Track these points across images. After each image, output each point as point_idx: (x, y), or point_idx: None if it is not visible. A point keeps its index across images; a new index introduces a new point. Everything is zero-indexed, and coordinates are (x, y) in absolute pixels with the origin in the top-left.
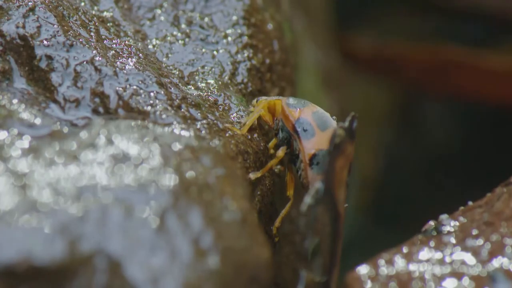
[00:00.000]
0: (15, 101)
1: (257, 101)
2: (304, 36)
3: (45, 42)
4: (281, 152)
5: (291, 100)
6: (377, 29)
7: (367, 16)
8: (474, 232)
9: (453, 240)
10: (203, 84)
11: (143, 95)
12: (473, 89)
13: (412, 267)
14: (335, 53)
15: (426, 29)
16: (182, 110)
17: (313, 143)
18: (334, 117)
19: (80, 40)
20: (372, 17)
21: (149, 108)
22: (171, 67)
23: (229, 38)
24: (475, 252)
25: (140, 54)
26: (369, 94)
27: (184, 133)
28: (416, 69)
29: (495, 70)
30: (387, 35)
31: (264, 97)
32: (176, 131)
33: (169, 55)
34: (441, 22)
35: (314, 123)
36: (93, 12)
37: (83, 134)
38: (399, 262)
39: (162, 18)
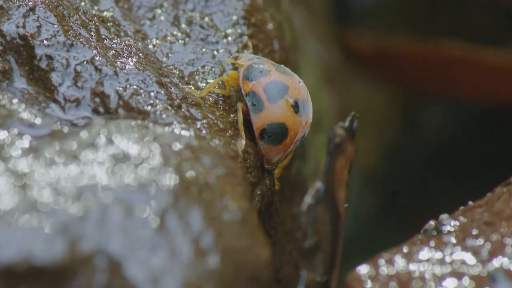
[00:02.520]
0: (15, 100)
1: (235, 58)
2: (305, 33)
3: (45, 42)
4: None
5: (249, 70)
6: (378, 25)
7: (368, 12)
8: (474, 232)
9: (453, 240)
10: (204, 84)
11: (143, 95)
12: (474, 87)
13: (412, 267)
14: (336, 50)
15: (430, 26)
16: (182, 110)
17: (261, 118)
18: (300, 82)
19: (80, 40)
20: (373, 13)
21: (149, 108)
22: (171, 66)
23: (229, 38)
24: (475, 252)
25: (140, 54)
26: (370, 91)
27: (184, 132)
28: (417, 66)
29: (497, 67)
30: (388, 31)
31: (243, 54)
32: (176, 130)
33: (169, 55)
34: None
35: (264, 96)
36: (93, 12)
37: (83, 134)
38: (399, 262)
39: (162, 18)
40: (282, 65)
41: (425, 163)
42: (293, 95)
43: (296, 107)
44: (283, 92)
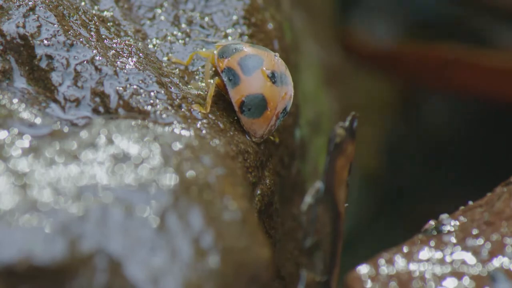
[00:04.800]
0: (15, 100)
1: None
2: (305, 32)
3: (45, 41)
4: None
5: (222, 49)
6: (378, 24)
7: (368, 10)
8: (475, 231)
9: (453, 240)
10: (204, 84)
11: (143, 95)
12: (475, 86)
13: (413, 266)
14: (336, 50)
15: (429, 24)
16: (183, 109)
17: (238, 91)
18: (276, 54)
19: (81, 39)
20: (374, 11)
21: (149, 107)
22: (171, 66)
23: (230, 38)
24: (476, 251)
25: (141, 54)
26: (370, 89)
27: (185, 132)
28: (416, 67)
29: (497, 67)
30: (389, 30)
31: (222, 42)
32: (177, 130)
33: (170, 55)
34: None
35: (239, 69)
36: (94, 12)
37: (84, 134)
38: (400, 262)
39: (162, 17)
40: (259, 45)
41: (426, 163)
42: (269, 67)
43: (273, 77)
44: (258, 64)
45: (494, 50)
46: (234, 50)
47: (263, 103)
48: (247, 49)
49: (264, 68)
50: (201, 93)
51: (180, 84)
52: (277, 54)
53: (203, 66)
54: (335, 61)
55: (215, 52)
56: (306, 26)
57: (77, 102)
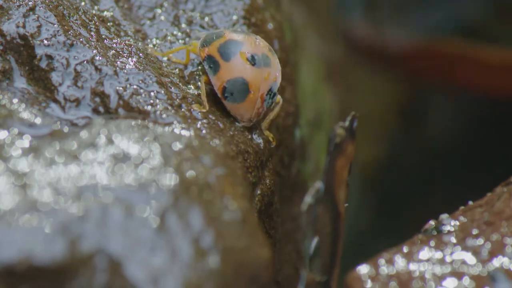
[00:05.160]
0: (15, 100)
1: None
2: (306, 27)
3: (45, 41)
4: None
5: (205, 38)
6: (380, 20)
7: (369, 6)
8: (475, 231)
9: (453, 240)
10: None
11: (143, 95)
12: (479, 83)
13: (413, 266)
14: (337, 45)
15: (431, 20)
16: (183, 109)
17: (219, 78)
18: (258, 37)
19: (81, 39)
20: (375, 8)
21: (149, 107)
22: (171, 66)
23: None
24: (476, 251)
25: (141, 54)
26: (371, 86)
27: (185, 132)
28: (418, 61)
29: (496, 65)
30: (391, 27)
31: (205, 34)
32: (177, 130)
33: (170, 55)
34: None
35: (219, 56)
36: (94, 12)
37: (84, 134)
38: (400, 262)
39: (162, 17)
40: (242, 30)
41: (426, 162)
42: (248, 50)
43: (252, 60)
44: (237, 48)
45: (499, 46)
46: (214, 38)
47: (244, 87)
48: (227, 35)
49: (243, 52)
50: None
51: (180, 84)
52: (258, 37)
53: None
54: (336, 56)
55: (198, 42)
56: (307, 21)
57: (77, 102)
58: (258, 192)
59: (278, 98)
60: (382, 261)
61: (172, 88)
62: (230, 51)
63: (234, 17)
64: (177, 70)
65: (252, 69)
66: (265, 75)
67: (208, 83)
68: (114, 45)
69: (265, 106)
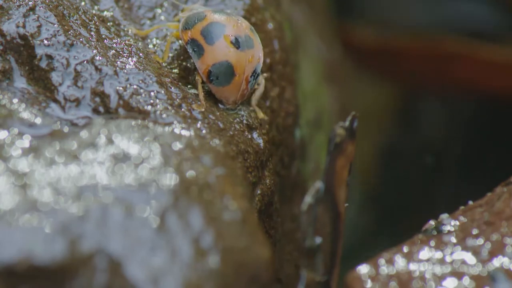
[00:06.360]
0: (15, 100)
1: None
2: (306, 27)
3: (45, 41)
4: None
5: (186, 21)
6: (378, 19)
7: (369, 6)
8: (475, 231)
9: (453, 240)
10: (204, 84)
11: (143, 95)
12: (477, 82)
13: (413, 266)
14: (337, 45)
15: (429, 20)
16: (183, 109)
17: (204, 61)
18: (239, 18)
19: (81, 39)
20: (374, 8)
21: (149, 107)
22: (171, 66)
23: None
24: (476, 251)
25: (141, 54)
26: (371, 87)
27: (185, 132)
28: (417, 61)
29: (496, 64)
30: (388, 26)
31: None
32: (177, 130)
33: (169, 54)
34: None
35: (203, 39)
36: (94, 12)
37: (84, 134)
38: (400, 262)
39: (162, 17)
40: (222, 10)
41: (426, 162)
42: (231, 32)
43: (236, 43)
44: (221, 31)
45: (496, 44)
46: (196, 20)
47: (230, 70)
48: (209, 16)
49: (227, 34)
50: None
51: (180, 84)
52: (240, 17)
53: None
54: (335, 57)
55: (180, 25)
56: (307, 21)
57: (77, 102)
58: (258, 192)
59: (260, 79)
60: (382, 261)
61: (172, 88)
62: (213, 34)
63: None
64: (177, 70)
65: (236, 53)
66: (249, 57)
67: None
68: (114, 45)
69: (249, 87)
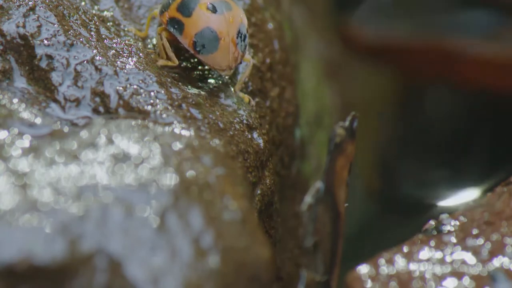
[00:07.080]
0: (15, 100)
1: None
2: (305, 28)
3: (45, 41)
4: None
5: (162, 4)
6: (378, 17)
7: (369, 4)
8: (475, 231)
9: (453, 240)
10: (203, 84)
11: (143, 95)
12: (479, 79)
13: (413, 266)
14: (336, 43)
15: (430, 18)
16: (183, 109)
17: (187, 35)
18: None
19: (81, 39)
20: (375, 5)
21: (149, 107)
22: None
23: None
24: (476, 251)
25: (141, 54)
26: (371, 84)
27: (185, 132)
28: (418, 58)
29: (494, 62)
30: (389, 24)
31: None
32: (177, 130)
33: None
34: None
35: (180, 15)
36: (94, 12)
37: (84, 134)
38: (400, 262)
39: None
40: None
41: (426, 160)
42: (205, 0)
43: (213, 8)
44: (195, 2)
45: (498, 42)
46: (171, 1)
47: (213, 35)
48: None
49: (202, 3)
50: (201, 93)
51: (180, 83)
52: None
53: (203, 66)
54: (335, 55)
55: (157, 10)
56: (307, 20)
57: (77, 102)
58: (258, 192)
59: (249, 58)
60: (382, 261)
61: (172, 88)
62: (188, 6)
63: None
64: (177, 69)
65: (215, 16)
66: (229, 18)
67: (176, 41)
68: (114, 45)
69: (239, 50)
